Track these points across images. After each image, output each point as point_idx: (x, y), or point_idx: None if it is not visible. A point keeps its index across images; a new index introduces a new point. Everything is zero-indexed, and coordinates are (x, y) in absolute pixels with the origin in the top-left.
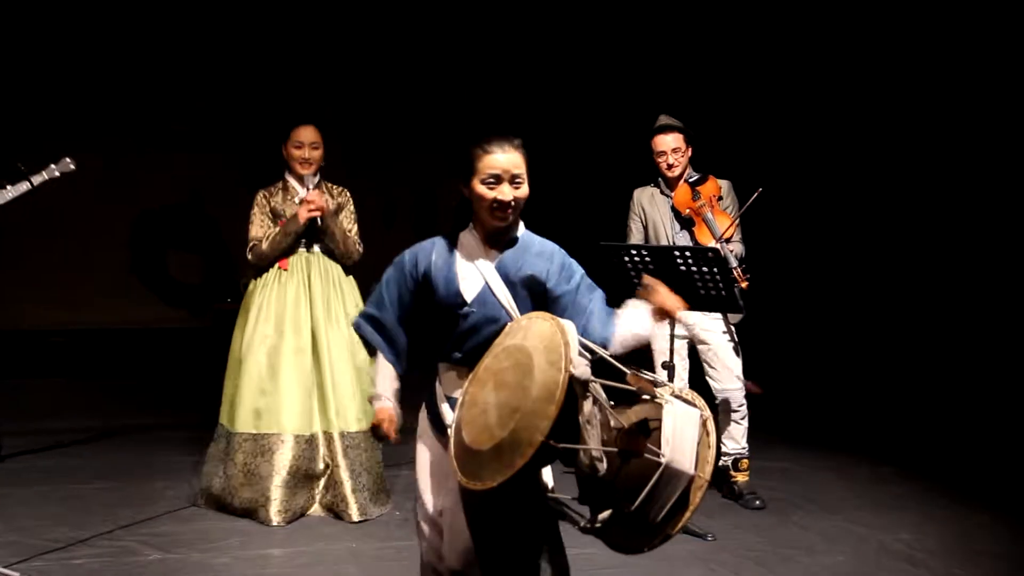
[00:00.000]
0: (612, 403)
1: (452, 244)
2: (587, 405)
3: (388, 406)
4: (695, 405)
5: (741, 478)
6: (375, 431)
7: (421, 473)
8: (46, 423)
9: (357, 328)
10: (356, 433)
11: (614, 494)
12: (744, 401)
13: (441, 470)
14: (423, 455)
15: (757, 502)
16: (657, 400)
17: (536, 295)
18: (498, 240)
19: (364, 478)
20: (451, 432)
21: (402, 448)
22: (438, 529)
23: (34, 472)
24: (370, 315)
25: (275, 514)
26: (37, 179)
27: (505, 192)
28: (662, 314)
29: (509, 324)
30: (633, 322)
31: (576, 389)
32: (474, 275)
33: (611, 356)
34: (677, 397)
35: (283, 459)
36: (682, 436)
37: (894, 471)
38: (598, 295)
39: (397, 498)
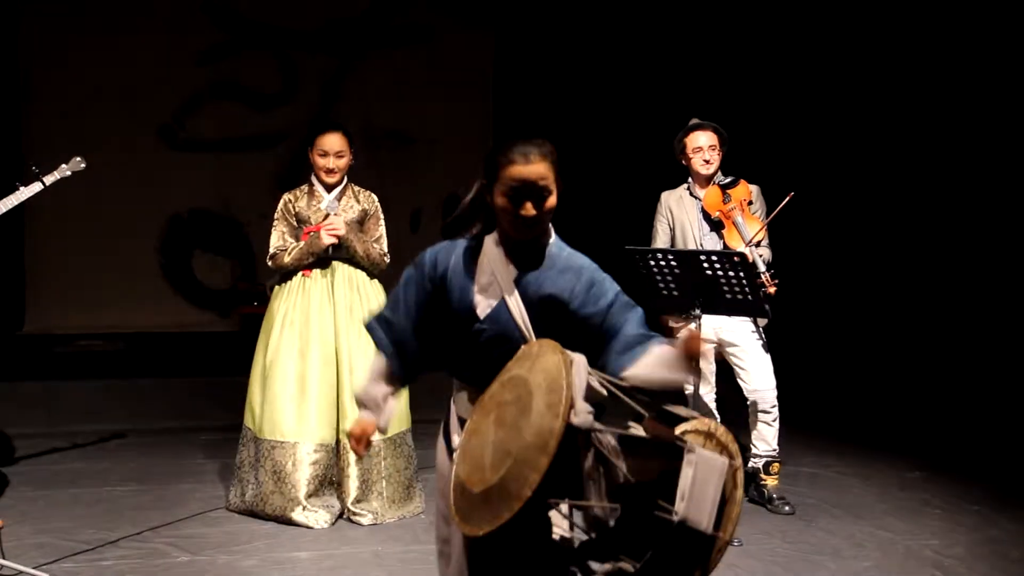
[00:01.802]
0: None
1: (475, 251)
2: (589, 457)
3: (368, 418)
4: (727, 450)
5: (771, 482)
6: (353, 448)
7: (437, 491)
8: (75, 426)
9: (368, 328)
10: (376, 441)
11: (620, 550)
12: (776, 402)
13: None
14: (439, 473)
15: (786, 507)
16: (678, 447)
17: (558, 316)
18: (522, 251)
19: (382, 485)
20: (455, 459)
21: (433, 451)
22: (447, 554)
23: (64, 474)
24: (383, 316)
25: (313, 521)
26: (49, 179)
27: (528, 208)
28: (690, 359)
29: (522, 348)
30: (661, 365)
31: (577, 439)
32: (492, 288)
33: (630, 395)
34: (708, 435)
35: (314, 468)
36: (702, 491)
37: (922, 476)
38: (633, 316)
39: (427, 502)
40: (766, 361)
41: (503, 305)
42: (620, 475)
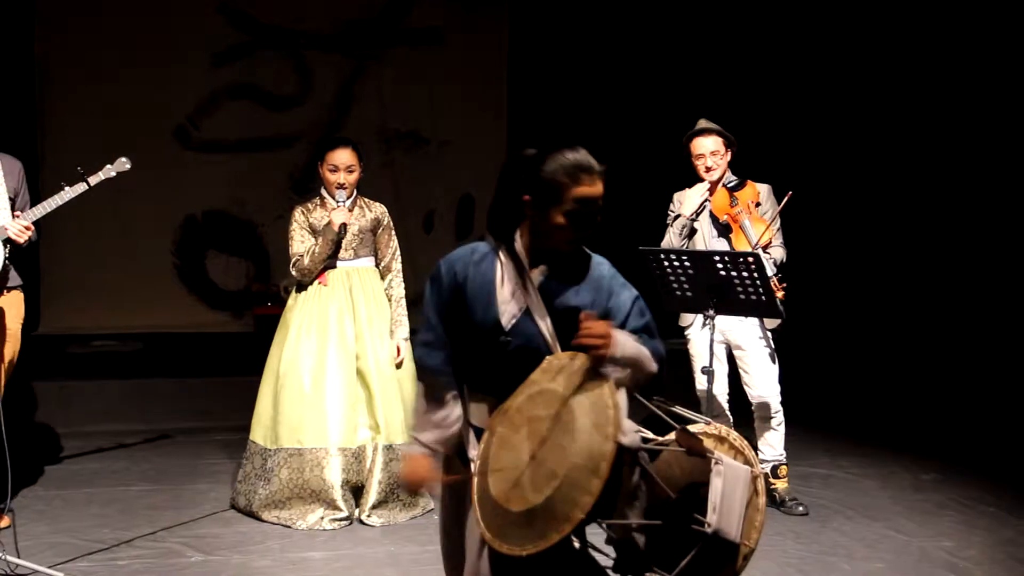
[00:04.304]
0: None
1: (493, 259)
2: (634, 475)
3: (426, 461)
4: (743, 455)
5: (781, 485)
6: (409, 487)
7: (442, 496)
8: (91, 426)
9: (419, 359)
10: (402, 445)
11: (652, 560)
12: (780, 407)
13: (458, 497)
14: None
15: (800, 508)
16: (707, 457)
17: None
18: (549, 261)
19: (401, 490)
20: (474, 468)
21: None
22: (456, 558)
23: (80, 475)
24: (426, 341)
25: (327, 523)
26: (94, 179)
27: (587, 228)
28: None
29: (548, 359)
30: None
31: (623, 458)
32: (514, 299)
33: (656, 406)
34: (720, 439)
35: (334, 473)
36: (731, 501)
37: (936, 477)
38: (645, 324)
39: (438, 502)
40: (771, 367)
41: (528, 316)
42: (661, 490)
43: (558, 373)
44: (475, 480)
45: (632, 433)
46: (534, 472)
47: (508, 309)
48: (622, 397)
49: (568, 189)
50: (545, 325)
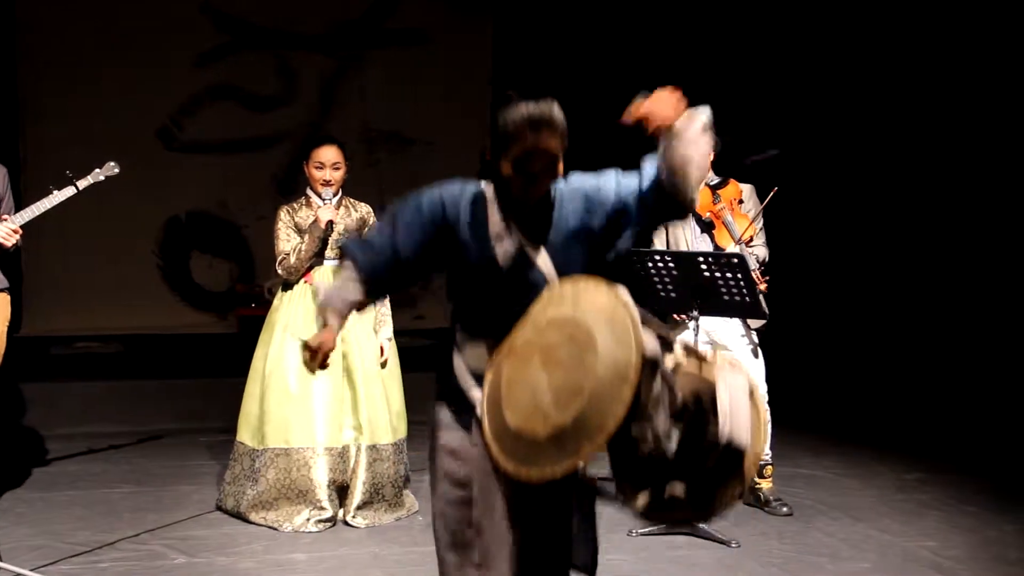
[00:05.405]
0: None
1: (484, 199)
2: (656, 383)
3: (328, 332)
4: (739, 371)
5: (766, 485)
6: (306, 357)
7: (440, 456)
8: (73, 428)
9: (345, 247)
10: (386, 446)
11: (666, 473)
12: (767, 407)
13: (463, 450)
14: (447, 448)
15: (784, 508)
16: (707, 364)
17: (587, 241)
18: (535, 197)
19: (386, 490)
20: (481, 412)
21: (424, 453)
22: (461, 517)
23: (62, 476)
24: (366, 239)
25: (313, 524)
26: (83, 183)
27: (538, 179)
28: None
29: (547, 292)
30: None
31: (645, 368)
32: (509, 236)
33: (649, 320)
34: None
35: (320, 473)
36: (738, 407)
37: (920, 477)
38: (646, 170)
39: (423, 503)
40: (757, 366)
41: (524, 253)
42: (679, 398)
43: (564, 299)
44: (485, 422)
45: (652, 343)
46: (556, 394)
47: (502, 249)
48: (635, 311)
49: (513, 141)
50: (543, 260)
